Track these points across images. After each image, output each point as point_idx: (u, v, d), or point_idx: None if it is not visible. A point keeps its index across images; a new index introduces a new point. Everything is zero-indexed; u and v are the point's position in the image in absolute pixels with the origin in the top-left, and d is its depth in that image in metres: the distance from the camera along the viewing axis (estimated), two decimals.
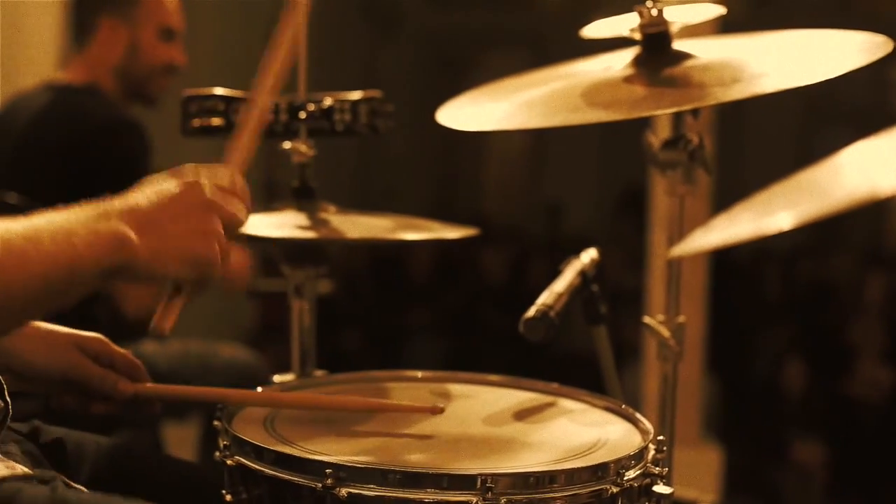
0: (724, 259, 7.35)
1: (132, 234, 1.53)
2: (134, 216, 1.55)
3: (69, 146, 3.64)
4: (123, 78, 3.89)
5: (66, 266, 1.47)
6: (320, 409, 2.00)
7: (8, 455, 1.77)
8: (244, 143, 1.87)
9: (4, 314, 1.47)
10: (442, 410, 1.94)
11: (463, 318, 8.71)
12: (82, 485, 1.75)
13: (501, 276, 9.08)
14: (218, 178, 1.66)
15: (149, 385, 1.97)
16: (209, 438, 3.83)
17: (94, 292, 2.82)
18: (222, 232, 1.62)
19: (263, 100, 1.93)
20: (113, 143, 3.65)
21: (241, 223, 1.67)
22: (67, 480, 1.71)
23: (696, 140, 2.28)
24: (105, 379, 1.90)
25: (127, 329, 3.52)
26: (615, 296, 5.90)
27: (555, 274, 2.28)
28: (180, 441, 4.24)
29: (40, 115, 3.74)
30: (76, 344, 1.92)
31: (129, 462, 2.06)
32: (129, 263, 1.53)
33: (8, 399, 1.80)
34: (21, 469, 1.71)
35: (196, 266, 1.60)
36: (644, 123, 2.38)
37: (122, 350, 1.95)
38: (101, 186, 3.62)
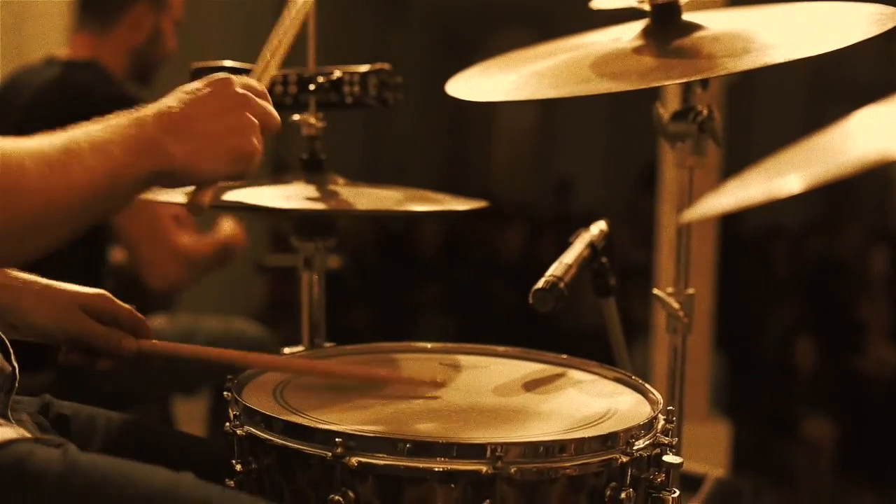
0: (733, 235, 7.35)
1: (168, 139, 1.56)
2: (168, 120, 1.57)
3: (71, 120, 3.65)
4: (137, 59, 3.94)
5: (108, 176, 1.50)
6: (318, 377, 2.02)
7: (20, 423, 1.77)
8: (272, 59, 1.90)
9: (51, 227, 1.49)
10: (441, 385, 1.95)
11: (472, 294, 8.70)
12: None
13: (510, 252, 9.06)
14: (245, 80, 1.70)
15: (153, 342, 1.98)
16: (218, 412, 3.86)
17: (100, 268, 2.82)
18: (258, 125, 1.66)
19: (296, 21, 1.95)
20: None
21: (273, 120, 1.70)
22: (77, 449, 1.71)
23: (705, 111, 2.28)
24: (108, 337, 1.91)
25: (135, 302, 3.55)
26: (624, 271, 5.90)
27: (564, 250, 2.28)
28: (190, 415, 4.25)
29: (43, 90, 3.76)
30: (79, 303, 1.93)
31: (140, 436, 2.06)
32: (168, 168, 1.56)
33: (15, 364, 1.81)
34: (32, 434, 1.71)
35: (237, 162, 1.64)
36: (653, 98, 2.38)
37: (126, 306, 1.96)
38: None
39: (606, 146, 12.86)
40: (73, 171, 1.46)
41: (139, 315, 1.97)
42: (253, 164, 1.65)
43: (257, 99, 1.68)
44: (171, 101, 1.61)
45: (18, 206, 1.42)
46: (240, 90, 1.65)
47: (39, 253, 1.68)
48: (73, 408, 2.02)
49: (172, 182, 1.60)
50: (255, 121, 1.65)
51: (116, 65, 3.90)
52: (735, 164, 4.33)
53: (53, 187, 1.45)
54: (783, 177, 1.06)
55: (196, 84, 1.65)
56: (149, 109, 1.59)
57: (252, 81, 1.72)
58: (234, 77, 1.67)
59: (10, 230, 1.43)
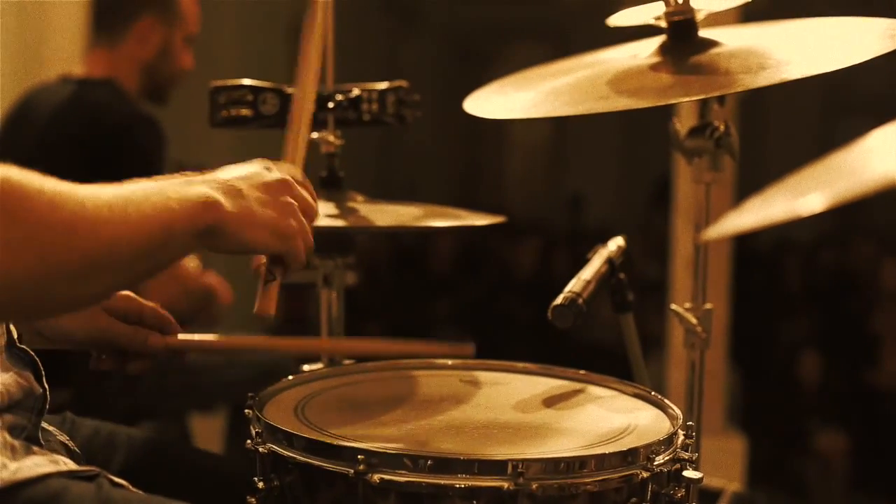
0: (745, 249, 7.34)
1: (221, 197, 1.57)
2: (220, 183, 1.59)
3: (87, 140, 3.67)
4: (148, 76, 3.94)
5: (165, 226, 1.50)
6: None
7: (47, 444, 1.78)
8: (299, 139, 1.90)
9: (110, 270, 1.48)
10: (472, 351, 1.99)
11: (485, 309, 8.70)
12: (114, 476, 1.76)
13: (524, 267, 9.06)
14: (287, 166, 1.73)
15: (179, 337, 1.97)
16: (235, 429, 3.86)
17: None
18: (298, 207, 1.68)
19: (309, 93, 1.95)
20: (129, 137, 3.69)
21: (312, 209, 1.73)
22: (111, 476, 1.72)
23: (722, 127, 2.28)
24: (135, 336, 1.90)
25: None
26: (637, 286, 5.90)
27: (577, 265, 2.28)
28: (206, 432, 4.25)
29: (60, 109, 3.77)
30: (103, 306, 1.92)
31: (161, 454, 2.07)
32: (220, 226, 1.56)
33: (45, 385, 1.82)
34: (64, 464, 1.72)
35: (283, 238, 1.65)
36: (666, 113, 2.39)
37: (149, 303, 1.95)
38: (119, 179, 3.68)
39: (619, 161, 12.87)
40: (132, 214, 1.46)
41: (163, 311, 1.96)
42: (295, 244, 1.68)
43: (299, 187, 1.71)
44: (223, 171, 1.64)
45: (77, 243, 1.40)
46: (284, 176, 1.69)
47: (99, 297, 1.69)
48: (95, 425, 2.03)
49: (221, 242, 1.59)
50: (296, 207, 1.68)
51: (130, 82, 3.91)
52: (748, 177, 4.34)
53: (112, 228, 1.44)
54: (804, 195, 1.07)
55: (245, 165, 1.68)
56: (198, 175, 1.60)
57: (293, 169, 1.76)
58: (275, 164, 1.71)
59: (66, 269, 1.41)
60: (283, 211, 1.65)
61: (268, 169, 1.68)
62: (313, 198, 1.75)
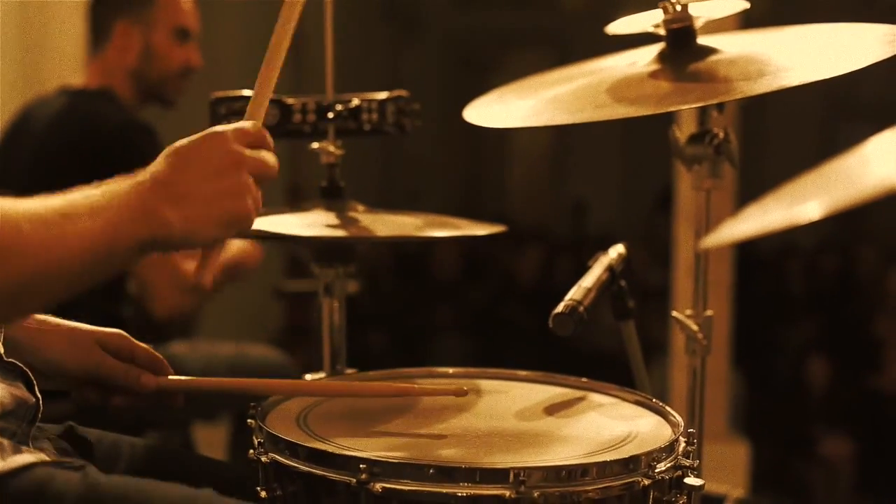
0: (748, 254, 7.33)
1: (164, 206, 1.55)
2: (163, 187, 1.57)
3: (83, 150, 3.67)
4: (139, 81, 3.91)
5: (104, 241, 1.50)
6: (346, 397, 2.04)
7: (40, 450, 1.79)
8: (262, 96, 1.85)
9: (45, 290, 1.49)
10: (466, 393, 2.00)
11: (488, 316, 8.69)
12: None
13: (527, 274, 9.06)
14: (239, 128, 1.67)
15: (171, 378, 1.98)
16: (239, 438, 3.86)
17: (120, 294, 2.82)
18: (253, 184, 1.64)
19: (278, 56, 1.89)
20: (125, 146, 3.68)
21: (270, 170, 1.67)
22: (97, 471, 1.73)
23: (721, 134, 2.29)
24: (127, 374, 1.92)
25: (155, 329, 3.55)
26: (640, 292, 5.89)
27: (581, 271, 2.29)
28: (210, 441, 4.26)
29: (56, 121, 3.77)
30: (97, 341, 1.94)
31: (164, 461, 2.07)
32: (165, 236, 1.55)
33: (38, 394, 1.82)
34: (51, 457, 1.73)
35: (231, 225, 1.62)
36: (667, 120, 2.39)
37: (142, 344, 1.97)
38: None
39: (621, 168, 12.86)
40: (70, 234, 1.47)
41: (156, 353, 1.98)
42: (247, 225, 1.64)
43: (250, 153, 1.65)
44: (166, 164, 1.60)
45: (13, 266, 1.42)
46: (233, 147, 1.63)
47: (34, 313, 1.69)
48: (97, 434, 2.03)
49: (169, 247, 1.59)
50: (250, 181, 1.63)
51: (124, 90, 3.90)
52: (750, 182, 4.34)
53: (49, 249, 1.45)
54: (802, 203, 1.07)
55: (188, 142, 1.63)
56: (145, 175, 1.59)
57: (246, 125, 1.68)
58: (227, 131, 1.65)
59: (4, 290, 1.44)
60: (236, 195, 1.61)
61: (219, 142, 1.63)
62: (270, 148, 1.69)
